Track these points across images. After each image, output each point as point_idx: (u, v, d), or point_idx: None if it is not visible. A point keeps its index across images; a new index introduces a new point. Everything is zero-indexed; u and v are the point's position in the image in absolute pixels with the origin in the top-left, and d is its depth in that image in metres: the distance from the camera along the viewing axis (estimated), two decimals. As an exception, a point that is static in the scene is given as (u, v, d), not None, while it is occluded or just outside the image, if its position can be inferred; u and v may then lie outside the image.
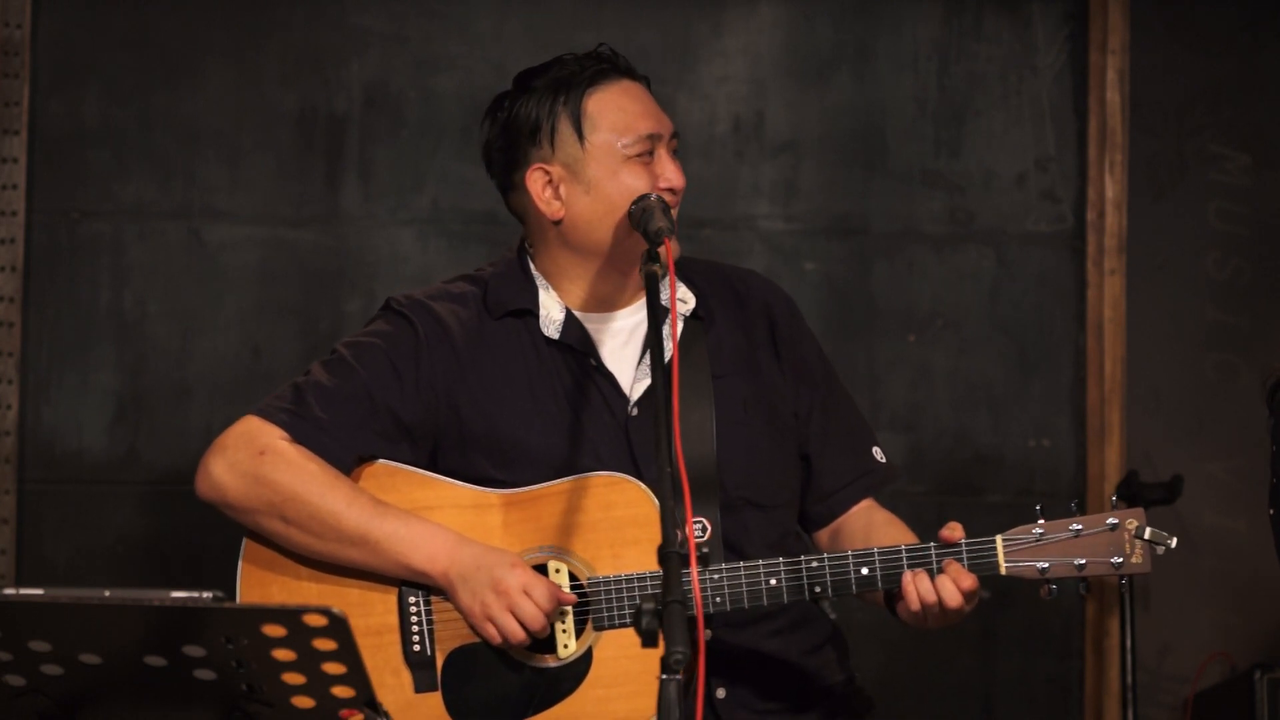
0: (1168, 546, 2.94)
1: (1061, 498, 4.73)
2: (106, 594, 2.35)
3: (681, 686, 2.46)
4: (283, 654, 2.36)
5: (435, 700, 2.98)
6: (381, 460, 3.10)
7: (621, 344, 3.19)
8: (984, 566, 2.95)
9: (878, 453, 3.29)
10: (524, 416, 3.12)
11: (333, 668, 2.37)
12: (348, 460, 3.07)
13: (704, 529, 3.06)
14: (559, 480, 3.02)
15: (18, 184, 4.56)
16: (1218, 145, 4.84)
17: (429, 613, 3.01)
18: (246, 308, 4.63)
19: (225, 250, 4.64)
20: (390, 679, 3.00)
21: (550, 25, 4.71)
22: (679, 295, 3.21)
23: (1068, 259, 4.80)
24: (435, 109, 4.69)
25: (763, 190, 4.75)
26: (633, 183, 3.13)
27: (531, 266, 3.23)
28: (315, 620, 2.33)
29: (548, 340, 3.17)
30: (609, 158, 3.15)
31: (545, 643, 2.96)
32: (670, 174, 3.15)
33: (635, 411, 3.12)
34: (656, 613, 2.48)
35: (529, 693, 2.96)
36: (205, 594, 2.34)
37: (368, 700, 2.41)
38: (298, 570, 3.07)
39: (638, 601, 2.78)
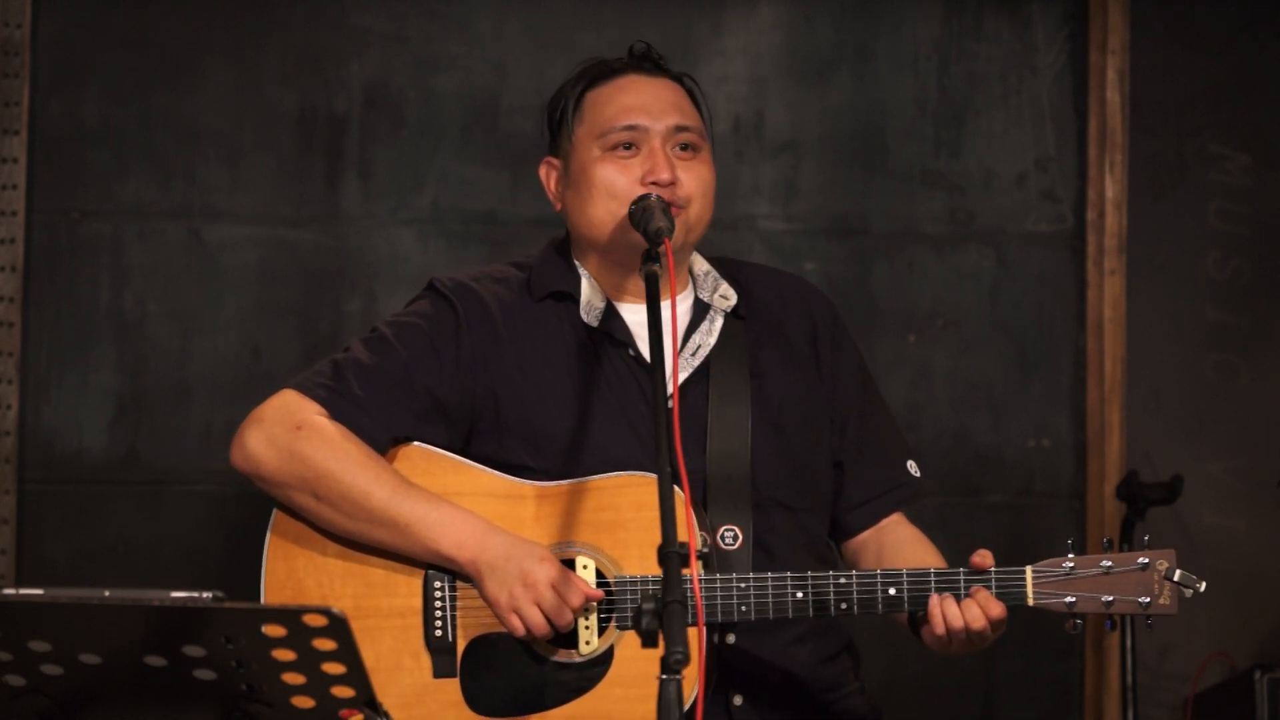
0: (1196, 590, 2.93)
1: (1061, 498, 4.74)
2: (106, 594, 2.34)
3: (679, 687, 2.46)
4: (283, 654, 2.36)
5: (453, 686, 2.98)
6: (416, 443, 3.08)
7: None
8: (1012, 596, 2.94)
9: (912, 467, 3.27)
10: (561, 402, 3.10)
11: (333, 668, 2.37)
12: (383, 440, 3.06)
13: (735, 536, 3.05)
14: (593, 477, 3.01)
15: (18, 184, 4.56)
16: (1218, 145, 4.84)
17: (453, 598, 3.00)
18: (246, 308, 4.63)
19: (225, 250, 4.64)
20: (409, 662, 2.99)
21: (550, 25, 4.71)
22: (720, 293, 3.20)
23: (1068, 259, 4.80)
24: (435, 109, 4.69)
25: (763, 190, 4.75)
26: (606, 176, 3.11)
27: (573, 254, 3.23)
28: (315, 620, 2.33)
29: (587, 327, 3.15)
30: (587, 150, 3.14)
31: (567, 637, 2.96)
32: (657, 167, 3.10)
33: (670, 404, 3.10)
34: (656, 613, 2.48)
35: (548, 686, 2.95)
36: (205, 594, 2.34)
37: (368, 700, 2.41)
38: (325, 546, 3.05)
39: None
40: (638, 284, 3.14)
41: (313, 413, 3.05)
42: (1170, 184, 4.83)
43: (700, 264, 3.24)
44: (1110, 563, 2.93)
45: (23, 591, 2.35)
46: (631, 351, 3.13)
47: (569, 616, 2.92)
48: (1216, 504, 4.77)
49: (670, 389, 2.77)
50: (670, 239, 2.96)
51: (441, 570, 3.01)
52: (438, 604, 3.00)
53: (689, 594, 2.50)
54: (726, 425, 3.10)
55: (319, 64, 4.67)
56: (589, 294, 3.16)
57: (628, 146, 3.12)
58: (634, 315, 3.16)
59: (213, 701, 2.42)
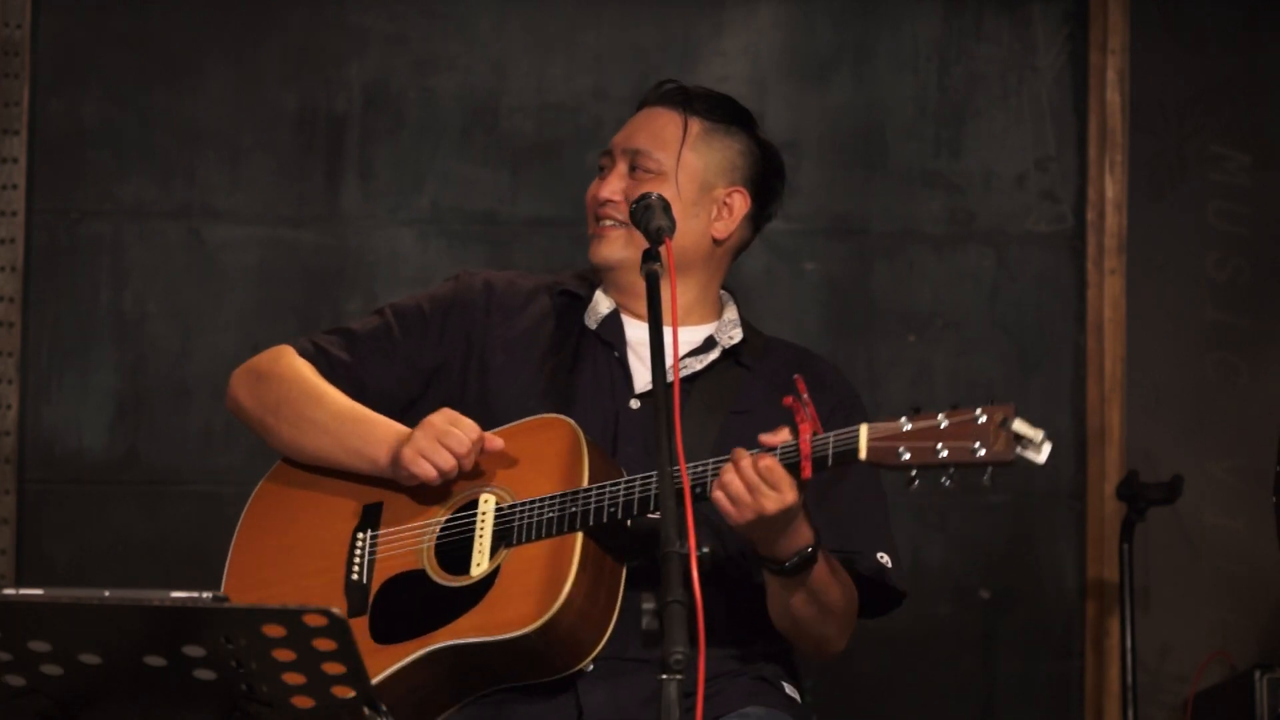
0: (1036, 446, 2.78)
1: (1061, 498, 4.74)
2: (106, 594, 2.35)
3: (679, 687, 2.46)
4: (283, 654, 2.36)
5: (361, 623, 3.06)
6: None
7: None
8: (848, 453, 2.84)
9: (884, 558, 3.16)
10: (521, 382, 3.20)
11: (333, 668, 2.38)
12: (352, 392, 3.21)
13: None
14: (501, 427, 3.12)
15: (18, 184, 4.57)
16: (1218, 145, 4.84)
17: (373, 548, 3.11)
18: (246, 308, 4.63)
19: (225, 250, 4.64)
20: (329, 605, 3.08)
21: (550, 25, 4.71)
22: (730, 334, 3.25)
23: (1068, 259, 4.80)
24: (435, 109, 4.69)
25: (763, 190, 4.75)
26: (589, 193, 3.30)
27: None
28: (315, 620, 2.33)
29: (585, 329, 3.25)
30: None
31: (462, 566, 3.04)
32: (594, 185, 3.26)
33: (636, 405, 3.15)
34: (657, 613, 2.48)
35: (438, 610, 3.02)
36: (205, 594, 2.34)
37: (368, 700, 2.41)
38: (274, 528, 3.21)
39: (548, 515, 2.94)
40: (640, 304, 3.19)
41: (292, 354, 3.24)
42: (1170, 184, 4.83)
43: (731, 311, 3.30)
44: (947, 421, 2.82)
45: (23, 591, 2.36)
46: (616, 354, 3.21)
47: (468, 446, 3.01)
48: (1216, 504, 4.77)
49: (670, 392, 2.77)
50: (671, 238, 2.98)
51: (365, 523, 3.11)
52: (357, 552, 3.11)
53: (691, 598, 2.51)
54: (687, 447, 3.05)
55: (319, 64, 4.68)
56: (598, 301, 3.27)
57: (601, 168, 3.28)
58: (636, 331, 3.22)
59: (213, 701, 2.42)
